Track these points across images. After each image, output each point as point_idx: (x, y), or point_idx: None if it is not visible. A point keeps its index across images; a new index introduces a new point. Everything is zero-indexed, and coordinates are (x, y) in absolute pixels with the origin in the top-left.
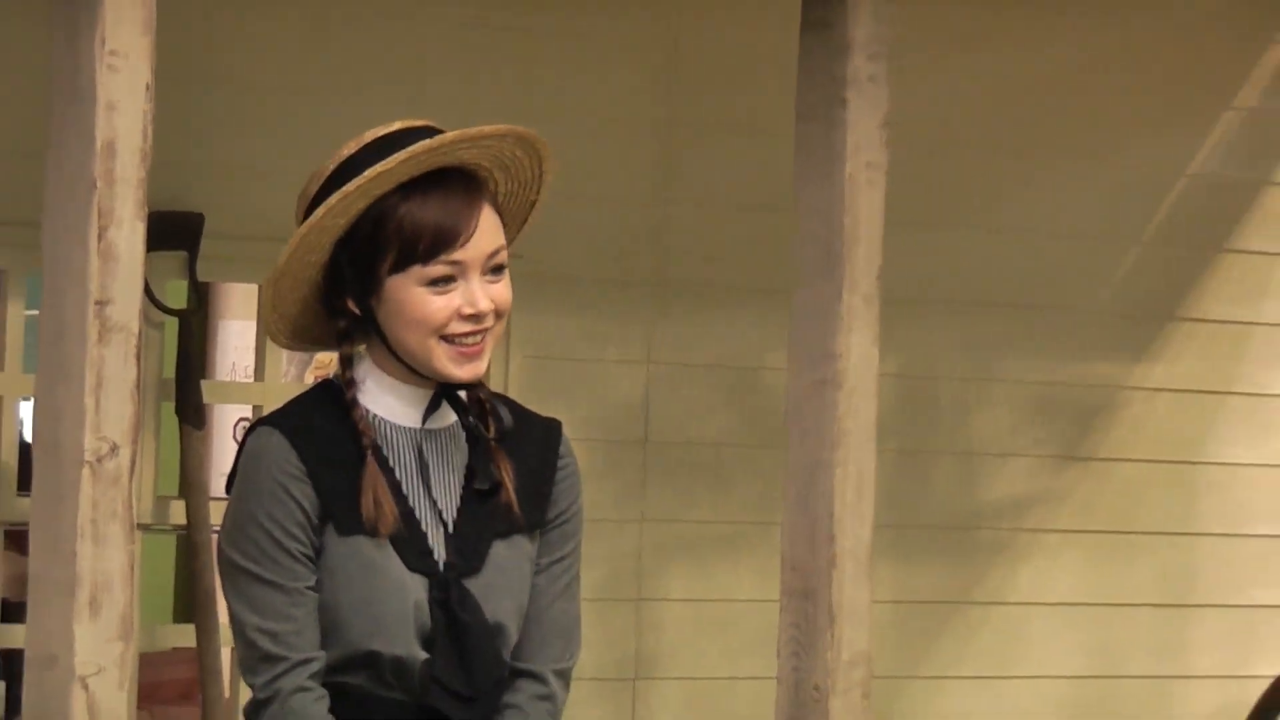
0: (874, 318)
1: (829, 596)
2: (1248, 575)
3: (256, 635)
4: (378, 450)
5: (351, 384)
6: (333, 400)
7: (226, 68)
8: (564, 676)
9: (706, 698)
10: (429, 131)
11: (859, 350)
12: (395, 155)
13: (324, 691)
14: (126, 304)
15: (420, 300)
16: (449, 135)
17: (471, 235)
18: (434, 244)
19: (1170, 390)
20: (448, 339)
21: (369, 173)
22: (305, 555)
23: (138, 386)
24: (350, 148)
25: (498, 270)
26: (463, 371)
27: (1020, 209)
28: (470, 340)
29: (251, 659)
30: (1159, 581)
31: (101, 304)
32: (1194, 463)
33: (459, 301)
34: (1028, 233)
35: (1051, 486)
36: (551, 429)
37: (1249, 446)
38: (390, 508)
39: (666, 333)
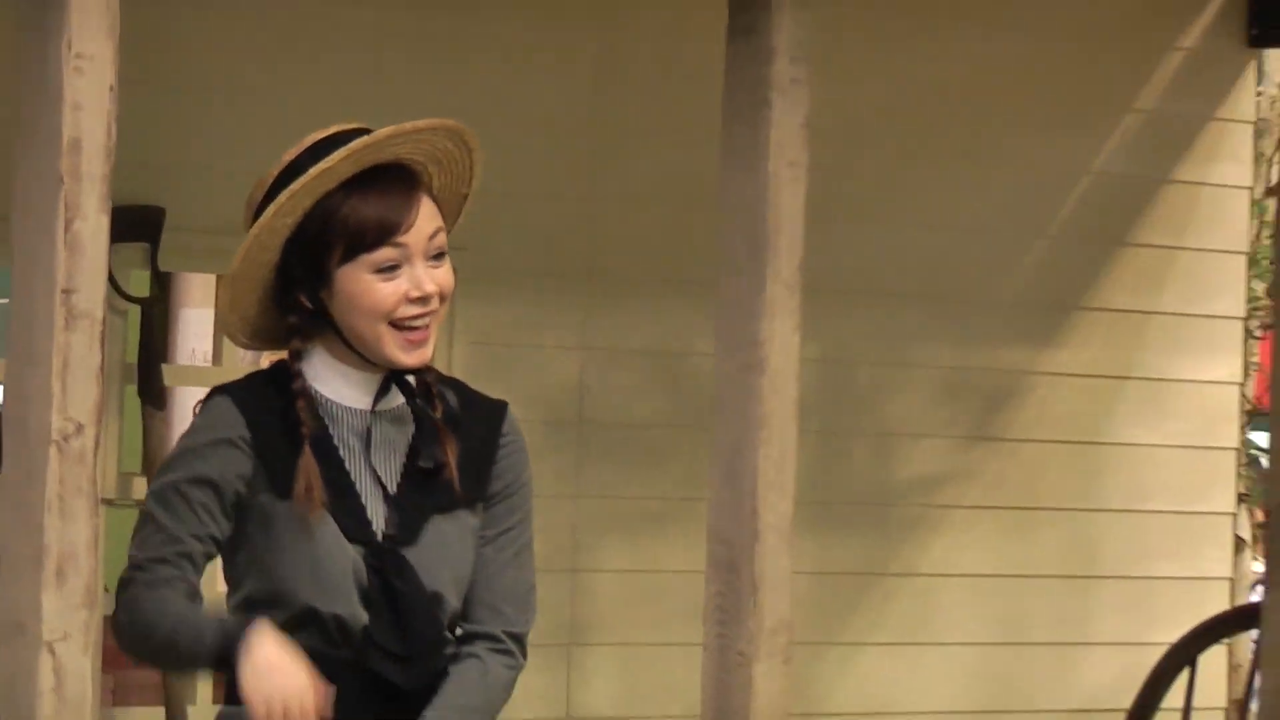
0: (795, 306)
1: (752, 568)
2: (1146, 548)
3: (130, 561)
4: (316, 440)
5: (299, 375)
6: (287, 379)
7: (187, 72)
8: (519, 641)
9: (637, 663)
10: (363, 132)
11: (781, 337)
12: (335, 154)
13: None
14: (91, 292)
15: (370, 287)
16: (384, 131)
17: (413, 223)
18: (379, 232)
19: (1073, 375)
20: (396, 325)
21: (313, 171)
22: (206, 513)
23: (102, 370)
24: (291, 152)
25: (439, 256)
26: (410, 358)
27: (934, 204)
28: (418, 323)
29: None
30: (1062, 554)
31: (68, 292)
32: (1095, 443)
33: (406, 285)
34: (941, 227)
35: (961, 465)
36: (497, 409)
37: (1147, 428)
38: (320, 496)
39: (599, 321)
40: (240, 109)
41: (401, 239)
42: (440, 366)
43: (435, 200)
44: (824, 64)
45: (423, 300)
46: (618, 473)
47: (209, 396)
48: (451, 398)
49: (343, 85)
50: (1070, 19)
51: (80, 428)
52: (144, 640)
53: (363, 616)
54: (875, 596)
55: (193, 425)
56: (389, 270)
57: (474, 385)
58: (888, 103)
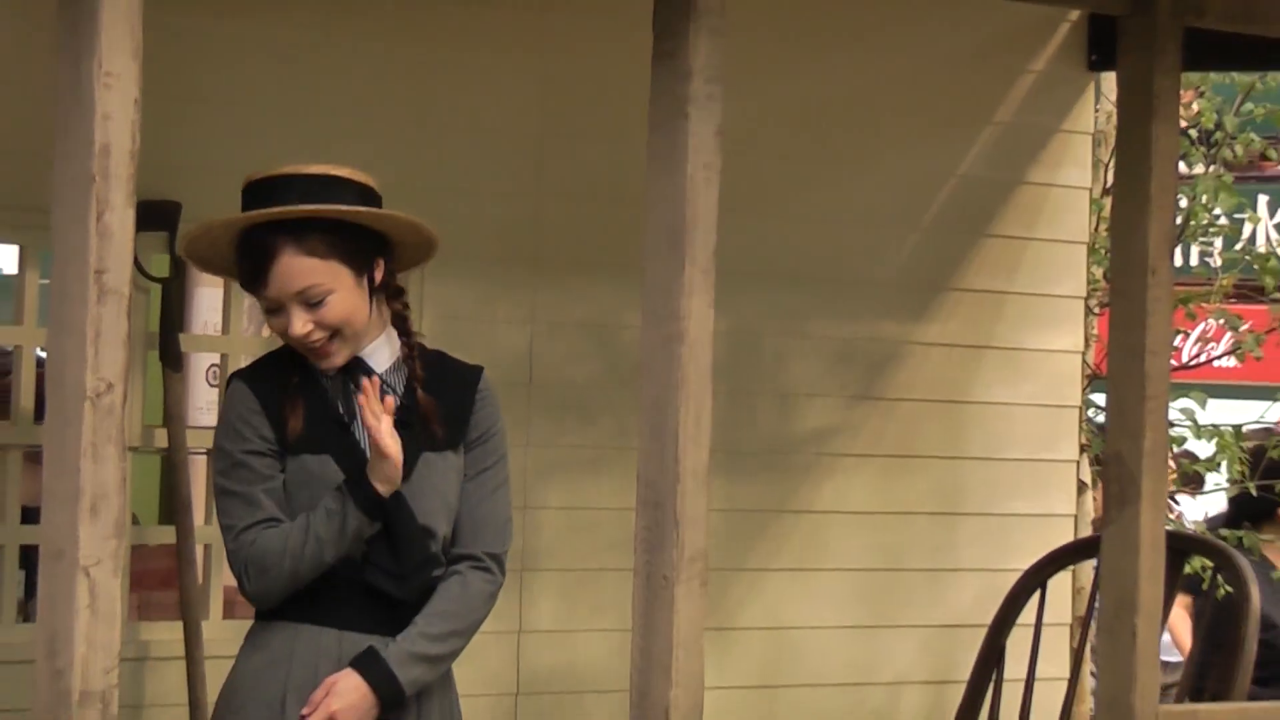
0: (710, 286)
1: (674, 506)
2: (1003, 490)
3: (229, 534)
4: (314, 398)
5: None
6: (290, 356)
7: (200, 87)
8: (498, 560)
9: (577, 585)
10: (291, 178)
11: (698, 312)
12: (211, 226)
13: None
14: (119, 273)
15: (267, 319)
16: (249, 214)
17: (269, 283)
18: (249, 285)
19: (942, 345)
20: (299, 347)
21: (196, 229)
22: (264, 467)
23: (128, 338)
24: (251, 175)
25: (314, 302)
26: (322, 365)
27: (825, 200)
28: (313, 347)
29: (231, 554)
30: (933, 495)
31: (99, 273)
32: (960, 402)
33: (285, 323)
34: (830, 219)
35: (848, 420)
36: (473, 371)
37: (1004, 389)
38: (300, 425)
39: (545, 298)
40: (245, 117)
41: (267, 294)
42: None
43: (318, 252)
44: (733, 82)
45: (299, 339)
46: (560, 426)
47: (228, 383)
48: (433, 362)
49: (332, 101)
50: (938, 44)
51: (110, 386)
52: (294, 570)
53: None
54: (776, 530)
55: (222, 410)
56: (274, 311)
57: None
58: (786, 114)
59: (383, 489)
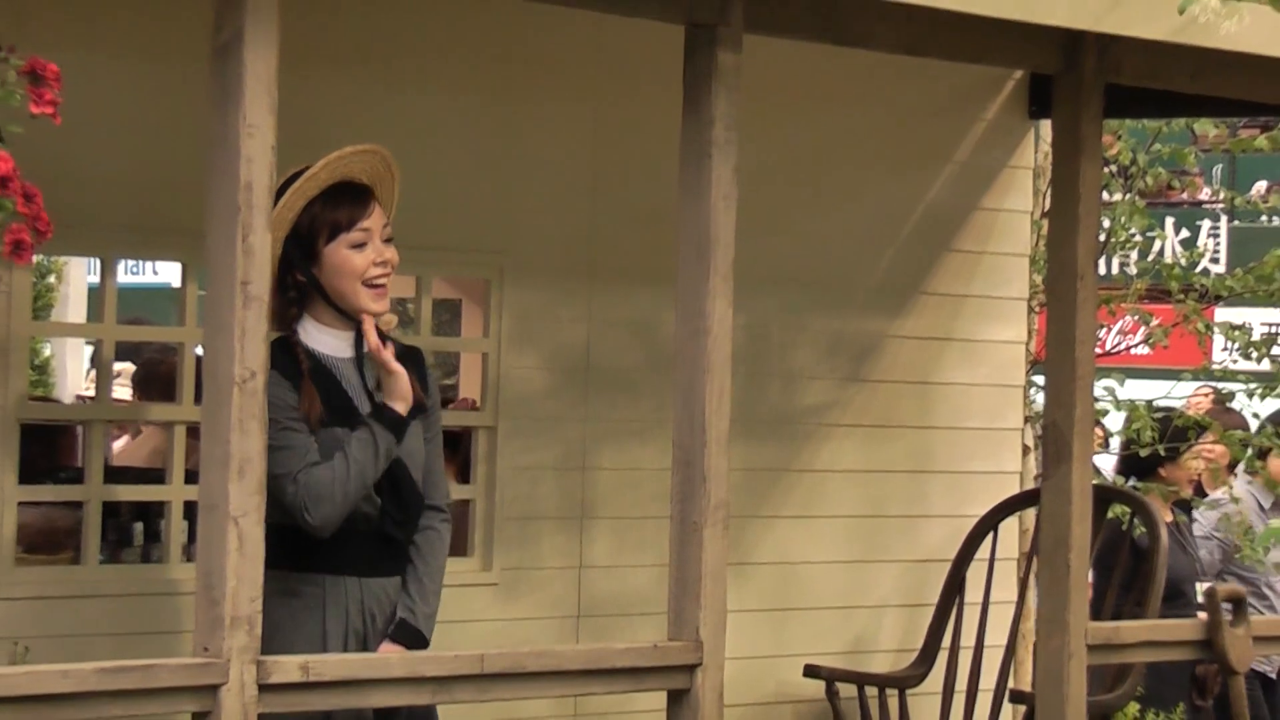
0: (729, 291)
1: (702, 464)
2: (963, 452)
3: (285, 481)
4: (315, 377)
5: (297, 339)
6: (286, 350)
7: (320, 137)
8: (449, 510)
9: (626, 530)
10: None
11: (720, 311)
12: (315, 165)
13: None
14: (260, 283)
15: (349, 257)
16: (333, 155)
17: (371, 213)
18: (351, 218)
19: (915, 338)
20: (367, 284)
21: (303, 178)
22: (304, 429)
23: (267, 335)
24: (289, 172)
25: (389, 240)
26: (378, 305)
27: (821, 222)
28: (380, 281)
29: (291, 496)
30: (909, 456)
31: (244, 284)
32: (929, 382)
33: (372, 255)
34: (825, 237)
35: (840, 397)
36: (417, 352)
37: (963, 372)
38: (318, 407)
39: (598, 301)
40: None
41: (365, 224)
42: (491, 337)
43: (382, 205)
44: (747, 130)
45: (384, 264)
46: (612, 403)
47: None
48: (392, 346)
49: (423, 142)
50: (909, 98)
51: (253, 374)
52: (344, 493)
53: (375, 497)
54: (783, 484)
55: (269, 389)
56: (359, 247)
57: (515, 346)
58: (789, 155)
59: (399, 407)
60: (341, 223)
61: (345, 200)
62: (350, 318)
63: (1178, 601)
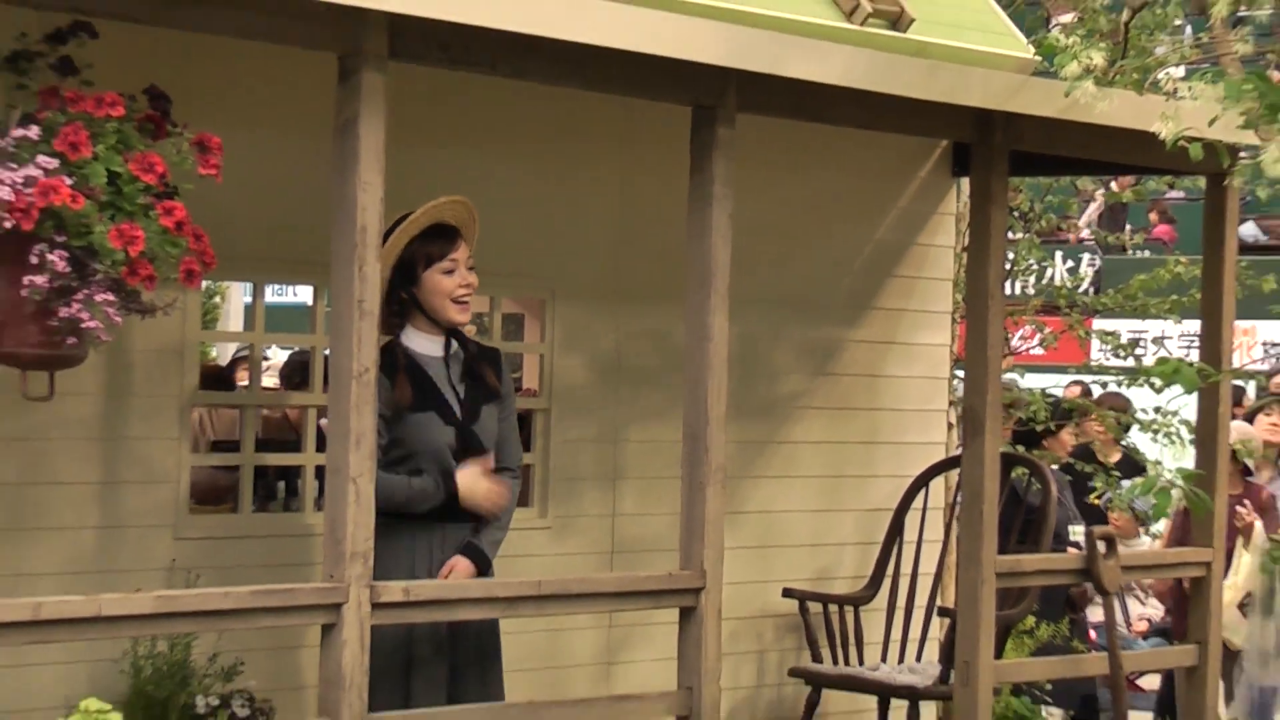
0: (725, 308)
1: (705, 438)
2: (904, 428)
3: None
4: (413, 372)
5: (399, 343)
6: (389, 351)
7: (410, 192)
8: (520, 467)
9: (649, 486)
10: (456, 204)
11: (719, 323)
12: (417, 213)
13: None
14: (372, 302)
15: (441, 281)
16: (430, 204)
17: (458, 247)
18: (442, 251)
19: (868, 341)
20: (454, 301)
21: (406, 221)
22: (383, 427)
23: (376, 340)
24: (397, 217)
25: (471, 268)
26: (462, 316)
27: (796, 255)
28: (464, 299)
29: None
30: (864, 431)
31: (360, 301)
32: (879, 375)
33: (459, 279)
34: (799, 266)
35: (811, 387)
36: (496, 352)
37: (904, 367)
38: (410, 395)
39: (624, 316)
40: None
41: (453, 255)
42: (546, 343)
43: (466, 240)
44: (740, 186)
45: (467, 286)
46: (637, 392)
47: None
48: (474, 347)
49: (485, 190)
50: (862, 161)
51: (366, 370)
52: (393, 498)
53: (453, 464)
54: (768, 453)
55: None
56: (449, 273)
57: (563, 350)
58: (772, 205)
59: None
60: (435, 254)
61: (438, 238)
62: (441, 327)
63: (1056, 541)
